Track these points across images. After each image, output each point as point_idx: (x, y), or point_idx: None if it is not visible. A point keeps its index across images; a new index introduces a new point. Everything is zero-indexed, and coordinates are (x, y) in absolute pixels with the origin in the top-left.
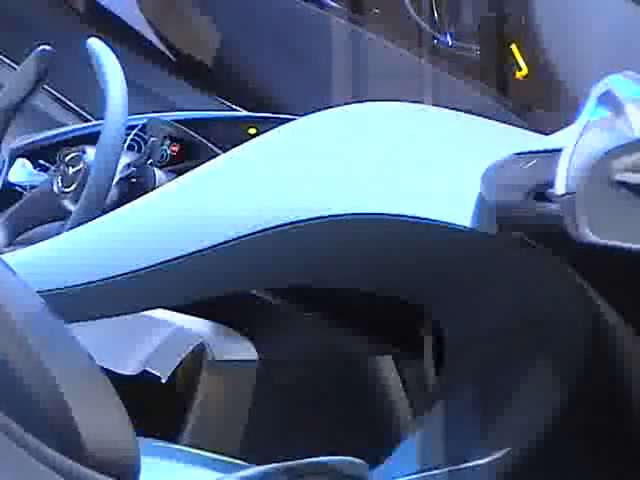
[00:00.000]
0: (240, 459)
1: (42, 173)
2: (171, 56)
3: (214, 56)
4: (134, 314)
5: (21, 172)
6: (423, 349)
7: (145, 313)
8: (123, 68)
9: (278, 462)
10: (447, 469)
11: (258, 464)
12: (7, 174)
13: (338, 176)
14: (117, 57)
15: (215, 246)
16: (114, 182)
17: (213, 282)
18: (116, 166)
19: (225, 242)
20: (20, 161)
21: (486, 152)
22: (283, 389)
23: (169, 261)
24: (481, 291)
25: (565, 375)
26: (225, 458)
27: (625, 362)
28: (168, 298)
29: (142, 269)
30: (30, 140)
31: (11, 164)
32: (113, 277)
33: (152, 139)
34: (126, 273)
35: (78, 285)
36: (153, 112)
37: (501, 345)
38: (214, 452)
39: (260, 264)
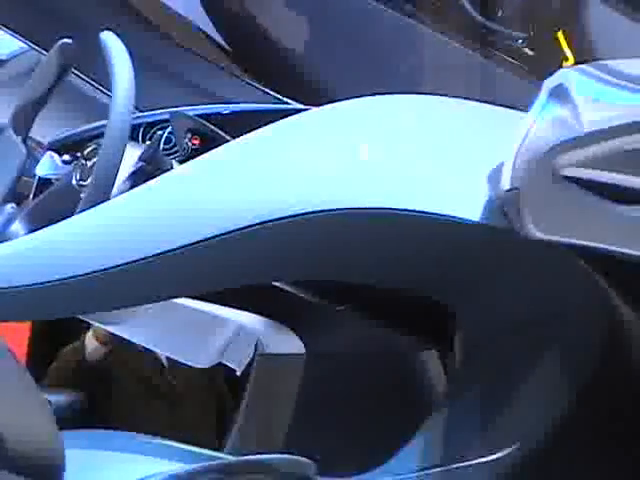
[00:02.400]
0: (287, 445)
1: (66, 166)
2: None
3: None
4: (199, 313)
5: (48, 165)
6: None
7: (209, 311)
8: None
9: (320, 449)
10: (455, 465)
11: (303, 450)
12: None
13: (350, 169)
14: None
15: (223, 234)
16: (127, 175)
17: (221, 273)
18: (120, 157)
19: (233, 231)
20: (48, 154)
21: (495, 144)
22: (328, 381)
23: (171, 250)
24: (495, 287)
25: (579, 373)
26: (195, 449)
27: (637, 357)
28: (175, 289)
29: (140, 260)
30: (65, 134)
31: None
32: (109, 268)
33: (157, 132)
34: (125, 263)
35: (78, 275)
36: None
37: (515, 342)
38: (263, 437)
39: (269, 256)
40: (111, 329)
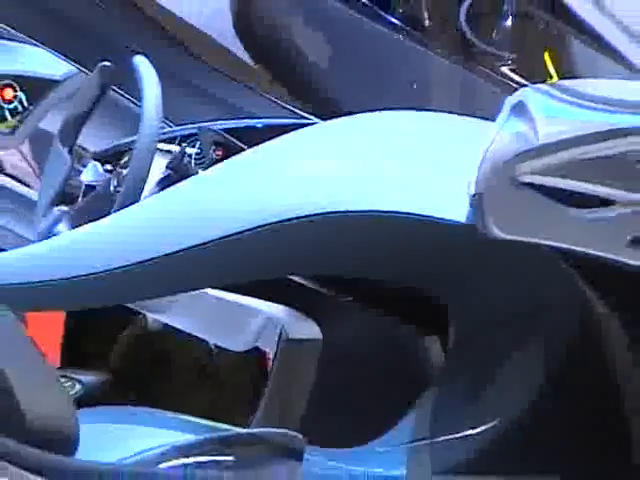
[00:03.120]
0: (304, 419)
1: (107, 174)
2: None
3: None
4: (234, 304)
5: (92, 173)
6: None
7: (242, 302)
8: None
9: (333, 422)
10: (442, 438)
11: (320, 427)
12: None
13: (350, 177)
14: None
15: (241, 232)
16: (156, 181)
17: (243, 267)
18: (149, 166)
19: (245, 231)
20: (92, 163)
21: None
22: (341, 363)
23: (199, 245)
24: (480, 282)
25: (556, 358)
26: (210, 424)
27: (612, 347)
28: (203, 281)
29: (171, 253)
30: (106, 147)
31: (85, 166)
32: (142, 262)
33: (182, 144)
34: (156, 257)
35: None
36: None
37: (499, 330)
38: (284, 412)
39: (279, 253)
40: (158, 317)
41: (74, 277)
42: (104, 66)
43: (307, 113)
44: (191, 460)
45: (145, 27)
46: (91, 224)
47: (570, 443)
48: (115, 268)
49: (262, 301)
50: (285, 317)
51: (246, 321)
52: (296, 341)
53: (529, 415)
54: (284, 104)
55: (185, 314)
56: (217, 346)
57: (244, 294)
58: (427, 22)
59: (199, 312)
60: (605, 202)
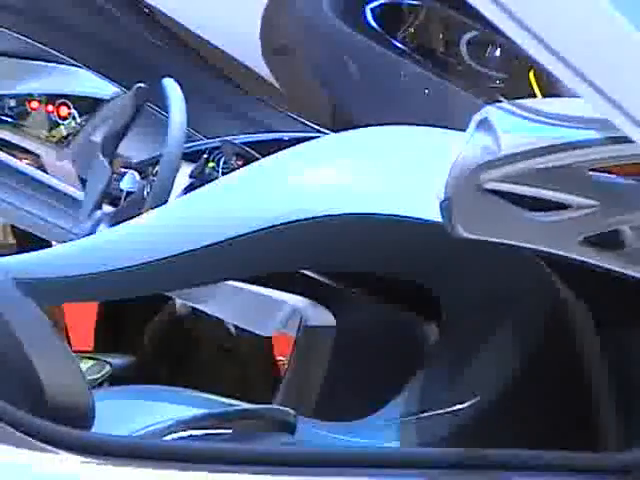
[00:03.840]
0: (320, 397)
1: (142, 181)
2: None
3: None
4: (263, 296)
5: (130, 180)
6: None
7: (269, 295)
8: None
9: (343, 398)
10: (429, 414)
11: (333, 403)
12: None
13: (348, 184)
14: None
15: (252, 233)
16: (182, 189)
17: (257, 262)
18: (174, 174)
19: (257, 231)
20: (130, 172)
21: None
22: (353, 347)
23: (219, 242)
24: (464, 274)
25: (529, 341)
26: (214, 398)
27: (577, 331)
28: (224, 274)
29: (195, 249)
30: (142, 159)
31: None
32: (168, 257)
33: (203, 156)
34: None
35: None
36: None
37: (480, 316)
38: (304, 390)
39: (285, 252)
40: (197, 306)
41: (111, 270)
42: (139, 87)
43: (319, 126)
44: (193, 433)
45: (179, 52)
46: (123, 224)
47: (542, 417)
48: (144, 263)
49: (286, 294)
50: (304, 307)
51: (274, 311)
52: (313, 327)
53: (505, 393)
54: (301, 119)
55: (222, 304)
56: (236, 327)
57: (271, 288)
58: (431, 48)
59: (234, 303)
60: (559, 206)
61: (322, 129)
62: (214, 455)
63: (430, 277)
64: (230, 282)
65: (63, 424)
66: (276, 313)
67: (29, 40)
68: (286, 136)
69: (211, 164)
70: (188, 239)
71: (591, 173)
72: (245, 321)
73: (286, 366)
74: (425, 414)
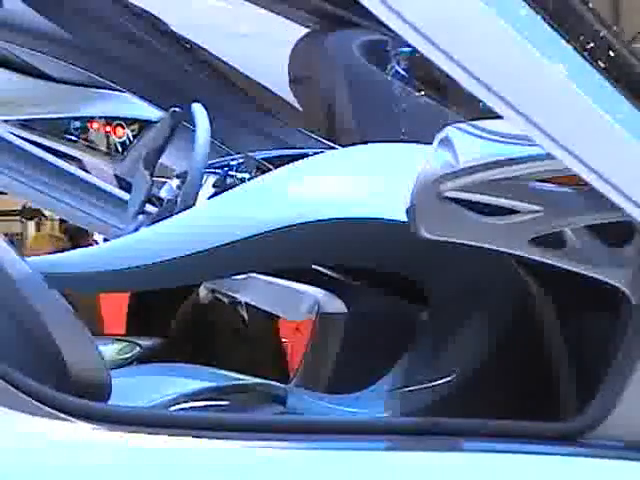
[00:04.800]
0: (333, 375)
1: (178, 190)
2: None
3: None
4: (289, 287)
5: (168, 189)
6: None
7: (292, 287)
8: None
9: (349, 375)
10: (414, 387)
11: (344, 379)
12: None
13: (346, 192)
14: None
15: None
16: (206, 198)
17: (272, 258)
18: (199, 183)
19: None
20: (168, 182)
21: None
22: (361, 331)
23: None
24: (445, 270)
25: (500, 326)
26: (223, 373)
27: (541, 316)
28: (240, 269)
29: (209, 249)
30: (178, 171)
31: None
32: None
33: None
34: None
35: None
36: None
37: (458, 304)
38: (320, 367)
39: (292, 250)
40: (236, 296)
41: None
42: (173, 111)
43: (331, 142)
44: (194, 404)
45: (212, 79)
46: (154, 225)
47: (510, 390)
48: (170, 259)
49: (307, 286)
50: (321, 297)
51: (300, 300)
52: (328, 314)
53: (479, 370)
54: (315, 137)
55: (257, 295)
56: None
57: (296, 281)
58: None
59: (267, 294)
60: (509, 211)
61: (333, 145)
62: (210, 423)
63: (416, 272)
64: (262, 277)
65: (83, 397)
66: (301, 302)
67: (86, 71)
68: (302, 152)
69: (240, 175)
70: (204, 239)
71: (536, 183)
72: (278, 309)
73: (289, 346)
74: (409, 388)
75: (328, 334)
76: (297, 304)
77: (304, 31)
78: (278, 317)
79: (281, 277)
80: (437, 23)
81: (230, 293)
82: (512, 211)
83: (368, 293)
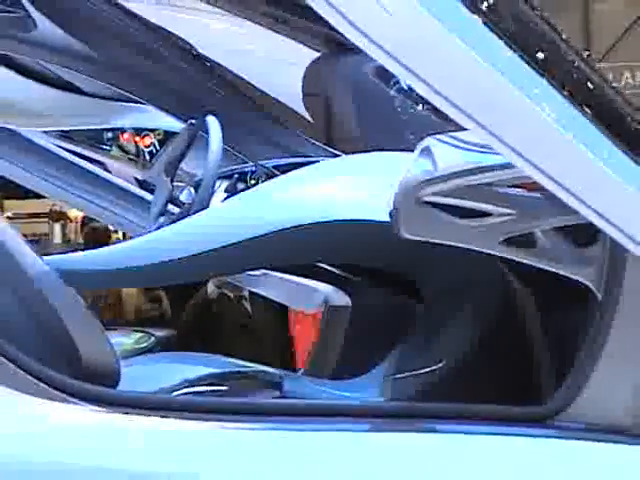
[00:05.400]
0: (339, 361)
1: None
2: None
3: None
4: (302, 283)
5: (187, 195)
6: None
7: (304, 282)
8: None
9: (360, 364)
10: (406, 374)
11: (349, 365)
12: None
13: (343, 197)
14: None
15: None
16: (220, 202)
17: (273, 257)
18: (212, 188)
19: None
20: (188, 187)
21: None
22: (364, 322)
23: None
24: (433, 267)
25: (485, 319)
26: (229, 360)
27: (522, 310)
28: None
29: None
30: (197, 178)
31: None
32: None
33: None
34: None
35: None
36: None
37: (447, 299)
38: (328, 354)
39: (299, 248)
40: (254, 290)
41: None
42: (190, 123)
43: (338, 151)
44: (195, 389)
45: (228, 92)
46: (170, 225)
47: (494, 378)
48: (181, 257)
49: (317, 282)
50: (329, 292)
51: (311, 294)
52: (335, 307)
53: (465, 359)
54: (323, 146)
55: (274, 290)
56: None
57: (307, 278)
58: None
59: (282, 289)
60: (483, 214)
61: (339, 153)
62: (208, 407)
63: (409, 269)
64: (277, 274)
65: (94, 383)
66: (313, 296)
67: (113, 86)
68: (311, 160)
69: (253, 181)
70: (214, 239)
71: (508, 189)
72: (292, 302)
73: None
74: (401, 375)
75: (334, 325)
76: (309, 298)
77: (315, 54)
78: (286, 311)
79: (294, 274)
80: (401, 44)
81: (249, 288)
82: (486, 214)
83: (370, 288)
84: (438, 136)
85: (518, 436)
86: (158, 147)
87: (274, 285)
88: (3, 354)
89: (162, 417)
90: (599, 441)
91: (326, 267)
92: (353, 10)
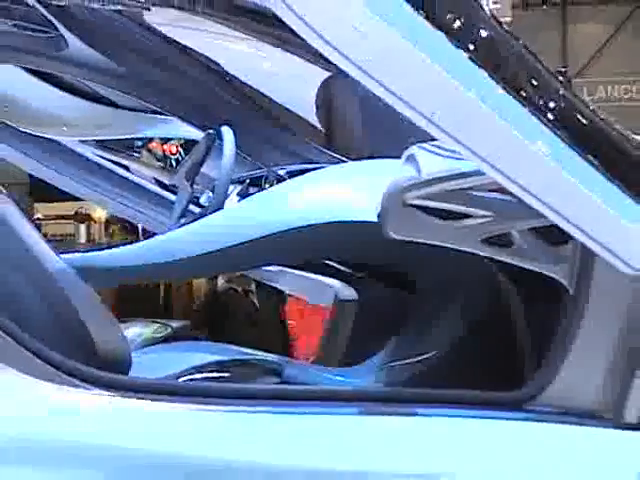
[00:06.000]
0: (347, 350)
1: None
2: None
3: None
4: (315, 279)
5: (206, 198)
6: None
7: (318, 278)
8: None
9: (365, 352)
10: (400, 363)
11: (355, 353)
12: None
13: (341, 201)
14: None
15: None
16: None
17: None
18: (225, 194)
19: (288, 230)
20: (207, 191)
21: None
22: (369, 313)
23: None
24: (426, 265)
25: (474, 312)
26: (235, 348)
27: (508, 303)
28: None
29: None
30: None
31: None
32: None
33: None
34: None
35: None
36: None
37: (438, 293)
38: (337, 343)
39: (304, 246)
40: (273, 284)
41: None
42: (208, 133)
43: (343, 157)
44: (200, 376)
45: (247, 106)
46: (185, 226)
47: (481, 366)
48: (193, 256)
49: (329, 278)
50: (339, 287)
51: (324, 289)
52: (343, 300)
53: (454, 348)
54: (331, 153)
55: (291, 285)
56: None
57: (320, 274)
58: None
59: (298, 284)
60: (464, 216)
61: (345, 160)
62: (211, 392)
63: (404, 267)
64: (293, 270)
65: (107, 370)
66: (324, 290)
67: (140, 100)
68: (320, 166)
69: (267, 185)
70: (223, 239)
71: (486, 193)
72: (309, 295)
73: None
74: (394, 363)
75: (342, 317)
76: (322, 292)
77: (326, 73)
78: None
79: (309, 271)
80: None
81: (269, 283)
82: (466, 216)
83: (374, 284)
84: (422, 145)
85: (494, 419)
86: (183, 155)
87: (291, 281)
88: (25, 346)
89: (169, 402)
90: (570, 424)
91: (334, 265)
92: (331, 33)
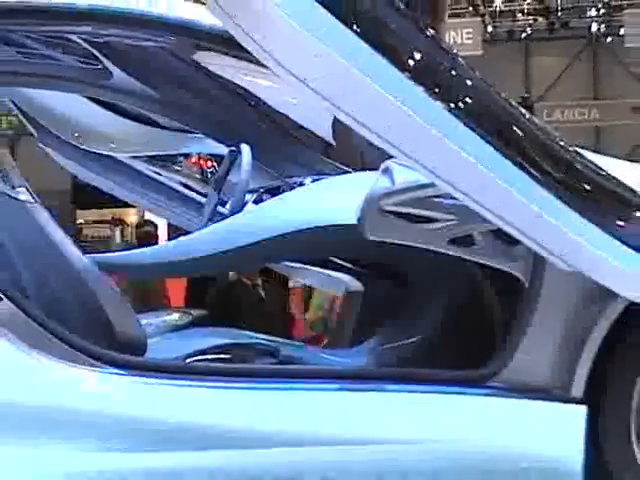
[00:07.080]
0: (354, 334)
1: None
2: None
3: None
4: (329, 275)
5: (231, 204)
6: None
7: (329, 273)
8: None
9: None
10: (388, 346)
11: (361, 338)
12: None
13: (339, 207)
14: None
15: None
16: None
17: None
18: (243, 201)
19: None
20: (232, 198)
21: None
22: (372, 304)
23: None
24: (415, 262)
25: (454, 302)
26: (244, 332)
27: (483, 294)
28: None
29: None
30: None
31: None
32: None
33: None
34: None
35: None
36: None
37: (424, 286)
38: (345, 329)
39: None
40: (295, 278)
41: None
42: (231, 150)
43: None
44: (204, 357)
45: (269, 125)
46: (212, 226)
47: (460, 348)
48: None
49: (339, 273)
50: (347, 280)
51: (337, 282)
52: (351, 292)
53: (436, 334)
54: (338, 165)
55: (309, 279)
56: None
57: (332, 270)
58: None
59: (315, 277)
60: (432, 220)
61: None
62: (211, 371)
63: (398, 264)
64: (308, 266)
65: (124, 353)
66: (337, 283)
67: (176, 121)
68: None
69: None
70: (241, 238)
71: (450, 199)
72: (322, 286)
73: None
74: (384, 346)
75: (350, 306)
76: (336, 285)
77: None
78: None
79: (324, 267)
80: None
81: (294, 277)
82: (434, 220)
83: (375, 278)
84: (396, 159)
85: (457, 394)
86: (216, 167)
87: (310, 275)
88: (54, 333)
89: (175, 379)
90: (525, 399)
91: (343, 263)
92: (290, 59)
